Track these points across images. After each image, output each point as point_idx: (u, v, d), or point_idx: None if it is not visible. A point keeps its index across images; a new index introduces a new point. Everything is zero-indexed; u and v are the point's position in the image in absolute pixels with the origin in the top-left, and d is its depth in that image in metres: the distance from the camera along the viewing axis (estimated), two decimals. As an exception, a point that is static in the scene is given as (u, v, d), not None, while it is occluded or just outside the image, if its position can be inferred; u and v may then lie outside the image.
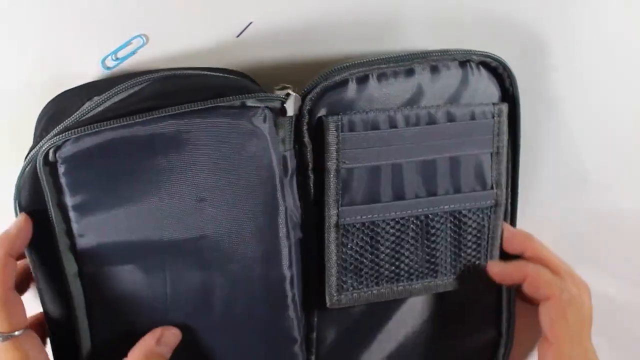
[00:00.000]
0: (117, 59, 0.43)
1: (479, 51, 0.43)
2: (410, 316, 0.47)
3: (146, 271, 0.38)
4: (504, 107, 0.43)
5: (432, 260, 0.44)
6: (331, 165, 0.40)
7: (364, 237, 0.42)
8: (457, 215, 0.44)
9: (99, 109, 0.37)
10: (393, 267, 0.43)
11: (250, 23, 0.44)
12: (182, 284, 0.39)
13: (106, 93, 0.38)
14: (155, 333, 0.38)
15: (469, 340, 0.49)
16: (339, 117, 0.40)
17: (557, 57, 0.49)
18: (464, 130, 0.42)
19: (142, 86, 0.38)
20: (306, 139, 0.41)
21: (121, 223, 0.37)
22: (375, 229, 0.42)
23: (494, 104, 0.43)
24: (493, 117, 0.43)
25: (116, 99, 0.38)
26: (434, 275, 0.44)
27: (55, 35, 0.42)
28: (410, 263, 0.44)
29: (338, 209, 0.41)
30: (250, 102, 0.38)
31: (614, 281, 0.53)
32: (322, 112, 0.41)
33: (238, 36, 0.44)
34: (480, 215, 0.44)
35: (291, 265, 0.41)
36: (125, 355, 0.38)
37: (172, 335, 0.39)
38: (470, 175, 0.43)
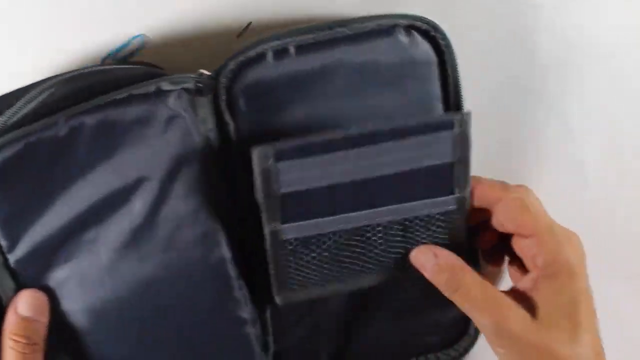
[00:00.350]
0: (117, 58, 0.43)
1: (406, 14, 0.41)
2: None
3: (82, 259, 0.38)
4: (467, 118, 0.39)
5: (378, 261, 0.42)
6: (260, 194, 0.38)
7: (303, 250, 0.40)
8: (405, 224, 0.40)
9: (14, 119, 0.37)
10: (336, 273, 0.41)
11: (250, 23, 0.44)
12: (120, 273, 0.39)
13: (17, 104, 0.37)
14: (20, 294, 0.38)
15: (438, 314, 0.47)
16: (268, 149, 0.37)
17: (557, 56, 0.49)
18: (416, 145, 0.38)
19: (51, 91, 0.37)
20: (227, 117, 0.40)
21: (52, 219, 0.37)
22: (314, 244, 0.40)
23: (453, 118, 0.39)
24: (452, 128, 0.38)
25: (30, 106, 0.37)
26: (380, 272, 0.42)
27: (55, 35, 0.42)
28: (356, 268, 0.41)
29: (273, 225, 0.39)
30: (165, 86, 0.38)
31: (614, 281, 0.51)
32: (240, 94, 0.40)
33: (238, 36, 0.44)
34: (434, 222, 0.41)
35: (232, 244, 0.41)
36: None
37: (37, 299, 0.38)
38: (421, 186, 0.39)
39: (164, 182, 0.39)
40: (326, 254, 0.40)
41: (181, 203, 0.39)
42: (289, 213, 0.39)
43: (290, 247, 0.40)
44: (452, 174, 0.39)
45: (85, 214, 0.38)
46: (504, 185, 0.40)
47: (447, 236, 0.41)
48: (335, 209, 0.39)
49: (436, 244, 0.40)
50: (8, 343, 0.36)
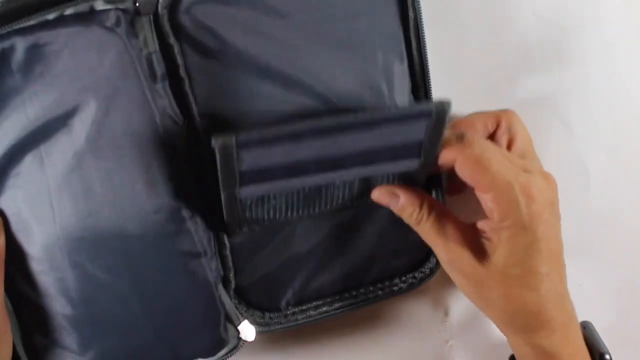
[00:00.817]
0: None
1: None
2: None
3: (33, 201, 0.38)
4: (447, 107, 0.37)
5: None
6: (219, 172, 0.37)
7: (258, 205, 0.40)
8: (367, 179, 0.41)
9: None
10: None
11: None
12: (68, 210, 0.38)
13: None
14: None
15: (403, 238, 0.46)
16: (230, 141, 0.35)
17: (558, 59, 0.49)
18: (389, 133, 0.38)
19: None
20: (171, 39, 0.38)
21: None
22: (270, 200, 0.40)
23: (432, 108, 0.37)
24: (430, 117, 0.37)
25: None
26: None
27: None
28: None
29: (229, 190, 0.38)
30: (99, 6, 0.36)
31: (614, 281, 0.51)
32: (185, 12, 0.37)
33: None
34: (396, 176, 0.41)
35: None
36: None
37: None
38: (387, 155, 0.39)
39: (102, 108, 0.37)
40: (283, 206, 0.41)
41: (123, 127, 0.38)
42: (245, 182, 0.38)
43: (246, 203, 0.39)
44: (420, 146, 0.39)
45: (28, 138, 0.37)
46: (465, 140, 0.39)
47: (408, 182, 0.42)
48: (295, 174, 0.38)
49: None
50: None
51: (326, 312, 0.47)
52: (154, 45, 0.38)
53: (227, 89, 0.39)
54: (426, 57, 0.43)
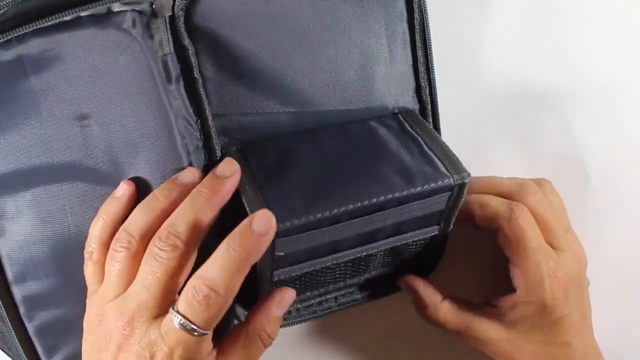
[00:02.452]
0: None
1: None
2: None
3: (43, 202, 0.37)
4: (467, 180, 0.39)
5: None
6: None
7: (290, 279, 0.42)
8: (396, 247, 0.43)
9: None
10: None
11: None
12: (81, 210, 0.38)
13: None
14: (274, 298, 0.39)
15: None
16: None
17: (558, 59, 0.49)
18: (415, 208, 0.40)
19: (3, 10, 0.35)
20: (186, 41, 0.38)
21: (9, 153, 0.36)
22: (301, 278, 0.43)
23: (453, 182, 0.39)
24: (449, 198, 0.40)
25: None
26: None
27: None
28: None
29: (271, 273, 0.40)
30: (116, 7, 0.36)
31: (614, 280, 0.51)
32: (200, 15, 0.38)
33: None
34: (418, 242, 0.44)
35: None
36: None
37: (290, 298, 0.40)
38: (412, 225, 0.42)
39: (117, 109, 0.37)
40: (312, 282, 0.44)
41: (138, 128, 0.38)
42: (280, 265, 0.39)
43: (278, 281, 0.41)
44: (441, 215, 0.41)
45: (48, 158, 0.37)
46: (513, 213, 0.42)
47: (427, 246, 0.45)
48: (327, 253, 0.40)
49: (417, 252, 0.45)
50: None
51: (329, 308, 0.47)
52: (169, 46, 0.38)
53: (239, 90, 0.40)
54: (431, 59, 0.44)
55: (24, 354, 0.40)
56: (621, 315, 0.52)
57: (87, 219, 0.38)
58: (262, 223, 0.34)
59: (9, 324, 0.39)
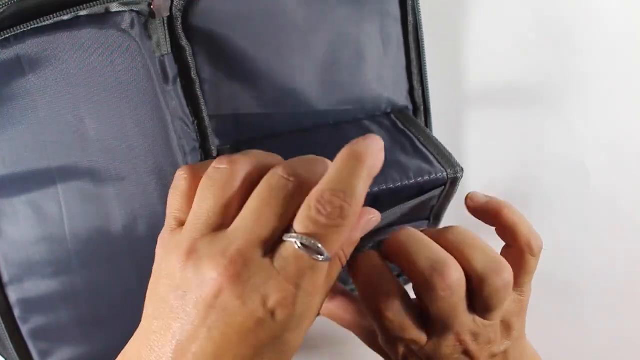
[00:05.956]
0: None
1: None
2: None
3: (40, 204, 0.37)
4: (460, 175, 0.39)
5: None
6: None
7: None
8: None
9: None
10: None
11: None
12: (78, 212, 0.38)
13: None
14: (361, 219, 0.30)
15: None
16: None
17: (558, 59, 0.49)
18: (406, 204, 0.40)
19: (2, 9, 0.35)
20: (184, 41, 0.38)
21: (6, 154, 0.36)
22: None
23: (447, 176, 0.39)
24: (441, 192, 0.40)
25: None
26: None
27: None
28: None
29: None
30: (114, 8, 0.36)
31: (614, 280, 0.51)
32: (198, 15, 0.38)
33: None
34: None
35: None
36: None
37: (375, 221, 0.31)
38: (405, 218, 0.41)
39: (115, 109, 0.37)
40: None
41: (135, 129, 0.37)
42: None
43: None
44: (431, 210, 0.41)
45: (45, 160, 0.36)
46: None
47: None
48: None
49: None
50: None
51: None
52: (166, 47, 0.38)
53: (236, 91, 0.40)
54: (424, 61, 0.44)
55: (17, 357, 0.40)
56: (621, 315, 0.52)
57: (84, 220, 0.38)
58: (374, 139, 0.28)
59: (3, 326, 0.39)
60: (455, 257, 0.31)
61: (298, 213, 0.27)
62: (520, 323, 0.36)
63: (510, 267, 0.32)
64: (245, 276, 0.26)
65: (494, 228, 0.35)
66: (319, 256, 0.26)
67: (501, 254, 0.36)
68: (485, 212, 0.36)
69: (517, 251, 0.35)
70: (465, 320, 0.33)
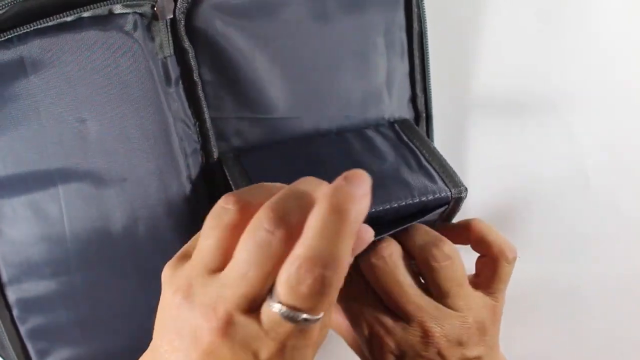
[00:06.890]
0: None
1: None
2: None
3: (40, 205, 0.37)
4: (464, 195, 0.39)
5: None
6: None
7: None
8: None
9: None
10: None
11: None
12: (78, 213, 0.38)
13: None
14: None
15: None
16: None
17: (558, 60, 0.49)
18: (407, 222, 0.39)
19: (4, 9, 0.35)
20: (186, 44, 0.38)
21: (6, 155, 0.36)
22: None
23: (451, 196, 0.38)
24: (444, 211, 0.40)
25: None
26: None
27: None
28: None
29: None
30: (117, 10, 0.36)
31: (614, 280, 0.51)
32: (201, 17, 0.38)
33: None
34: None
35: (190, 176, 0.40)
36: None
37: (367, 241, 0.30)
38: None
39: (117, 111, 0.37)
40: None
41: (137, 131, 0.38)
42: None
43: None
44: (434, 225, 0.40)
45: (46, 161, 0.36)
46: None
47: None
48: None
49: None
50: None
51: None
52: (169, 49, 0.38)
53: (238, 94, 0.40)
54: (428, 69, 0.44)
55: (15, 357, 0.40)
56: (621, 317, 0.51)
57: (84, 221, 0.38)
58: (359, 181, 0.26)
59: (2, 326, 0.39)
60: (394, 237, 0.36)
61: (280, 274, 0.25)
62: (495, 330, 0.38)
63: (447, 240, 0.36)
64: (234, 334, 0.26)
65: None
66: (306, 322, 0.25)
67: (476, 263, 0.39)
68: (455, 231, 0.39)
69: (490, 259, 0.37)
70: (423, 304, 0.35)
